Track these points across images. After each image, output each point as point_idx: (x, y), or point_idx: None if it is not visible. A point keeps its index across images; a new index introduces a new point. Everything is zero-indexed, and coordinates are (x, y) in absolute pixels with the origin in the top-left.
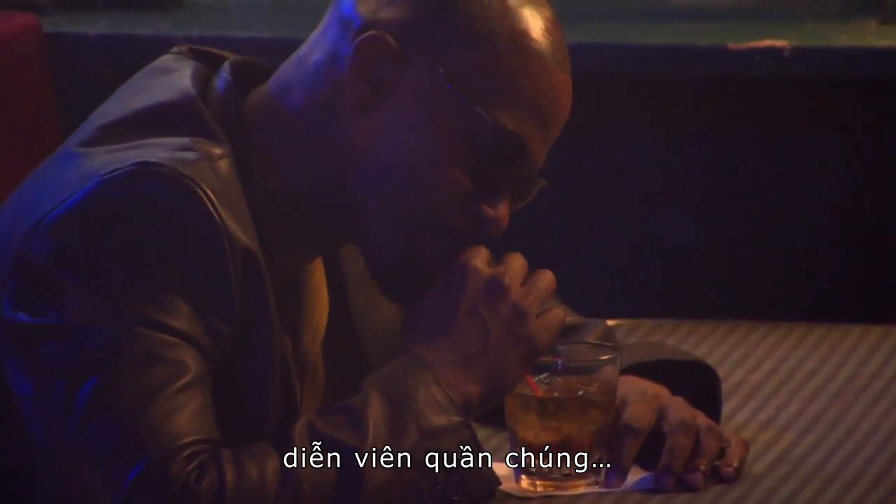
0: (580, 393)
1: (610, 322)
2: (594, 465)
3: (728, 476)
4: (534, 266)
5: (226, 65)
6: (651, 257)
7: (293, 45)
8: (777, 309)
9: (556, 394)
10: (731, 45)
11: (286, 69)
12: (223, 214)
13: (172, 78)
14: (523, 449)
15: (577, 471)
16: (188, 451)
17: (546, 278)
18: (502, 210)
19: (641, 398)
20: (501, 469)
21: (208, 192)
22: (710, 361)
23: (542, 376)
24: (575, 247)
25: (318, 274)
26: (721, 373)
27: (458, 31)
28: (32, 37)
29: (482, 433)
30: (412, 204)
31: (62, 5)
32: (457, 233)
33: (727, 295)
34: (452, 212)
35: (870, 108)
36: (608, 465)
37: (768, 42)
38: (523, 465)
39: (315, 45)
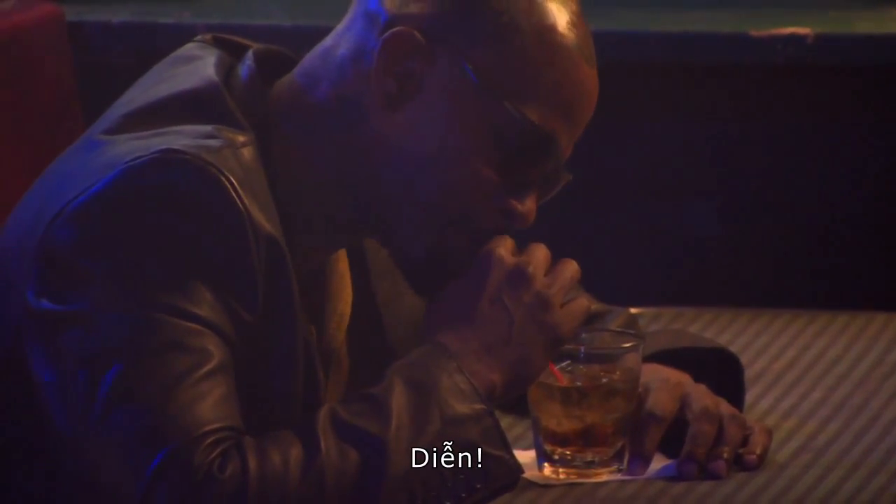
0: (604, 381)
1: (632, 310)
2: (617, 453)
3: (751, 464)
4: (556, 255)
5: (249, 53)
6: (673, 245)
7: (314, 33)
8: (800, 297)
9: (579, 382)
10: (754, 33)
11: (312, 61)
12: (246, 202)
13: (196, 66)
14: (546, 437)
15: (600, 459)
16: (211, 439)
17: (570, 267)
18: (529, 204)
19: (664, 386)
20: (524, 457)
21: (232, 179)
22: (733, 349)
23: (564, 364)
24: (597, 235)
25: (342, 262)
26: (744, 361)
27: (485, 27)
28: (55, 25)
29: (505, 421)
30: (439, 199)
31: None
32: (484, 228)
33: (750, 283)
34: (480, 207)
35: (893, 95)
36: (631, 453)
37: (791, 29)
38: (546, 453)
39: (341, 39)
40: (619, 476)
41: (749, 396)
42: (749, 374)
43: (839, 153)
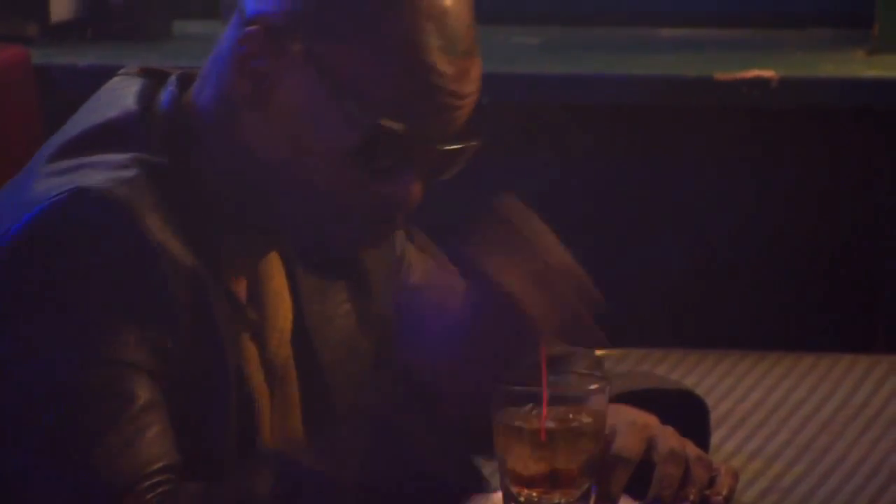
0: (572, 424)
1: (599, 352)
2: (583, 495)
3: None
4: None
5: (172, 77)
6: (640, 286)
7: None
8: (765, 339)
9: (549, 425)
10: (718, 76)
11: (205, 63)
12: (160, 235)
13: (117, 96)
14: (513, 479)
15: (567, 501)
16: (145, 484)
17: None
18: (408, 188)
19: (631, 428)
20: (491, 500)
21: (144, 212)
22: (699, 391)
23: (529, 407)
24: None
25: (277, 279)
26: (710, 402)
27: (334, 25)
28: (21, 68)
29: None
30: (309, 197)
31: (51, 37)
32: (370, 216)
33: (715, 324)
34: (355, 200)
35: (857, 137)
36: (598, 495)
37: (755, 73)
38: (513, 496)
39: (223, 39)
40: None
41: (715, 438)
42: (715, 415)
43: (803, 194)
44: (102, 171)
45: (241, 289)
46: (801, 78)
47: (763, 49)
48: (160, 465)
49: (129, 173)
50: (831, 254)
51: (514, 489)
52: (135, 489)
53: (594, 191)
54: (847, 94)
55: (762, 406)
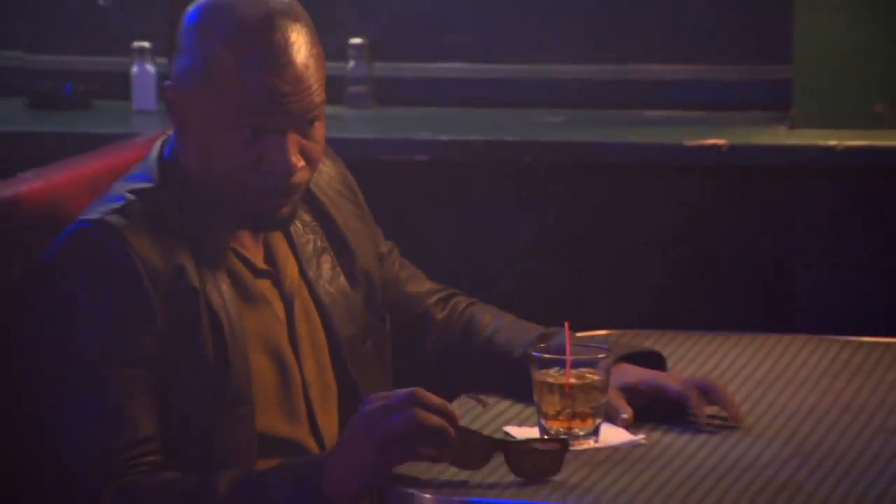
0: (587, 381)
1: (602, 332)
2: (595, 429)
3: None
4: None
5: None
6: (633, 293)
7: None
8: (721, 324)
9: (572, 380)
10: (686, 143)
11: None
12: (136, 247)
13: (154, 148)
14: (546, 418)
15: (584, 433)
16: (137, 451)
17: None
18: (283, 159)
19: (671, 377)
20: (531, 432)
21: (127, 233)
22: (674, 359)
23: (556, 369)
24: (584, 284)
25: (281, 247)
26: (680, 368)
27: (193, 68)
28: None
29: (517, 407)
30: (226, 185)
31: None
32: (265, 183)
33: (689, 314)
34: (251, 177)
35: (782, 185)
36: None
37: (712, 141)
38: (546, 429)
39: None
40: (595, 445)
41: None
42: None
43: (746, 225)
44: (104, 204)
45: (258, 254)
46: (743, 144)
47: (716, 124)
48: (148, 435)
49: (119, 203)
50: (766, 265)
51: (547, 424)
52: (124, 454)
53: (600, 225)
54: (774, 156)
55: (717, 369)
